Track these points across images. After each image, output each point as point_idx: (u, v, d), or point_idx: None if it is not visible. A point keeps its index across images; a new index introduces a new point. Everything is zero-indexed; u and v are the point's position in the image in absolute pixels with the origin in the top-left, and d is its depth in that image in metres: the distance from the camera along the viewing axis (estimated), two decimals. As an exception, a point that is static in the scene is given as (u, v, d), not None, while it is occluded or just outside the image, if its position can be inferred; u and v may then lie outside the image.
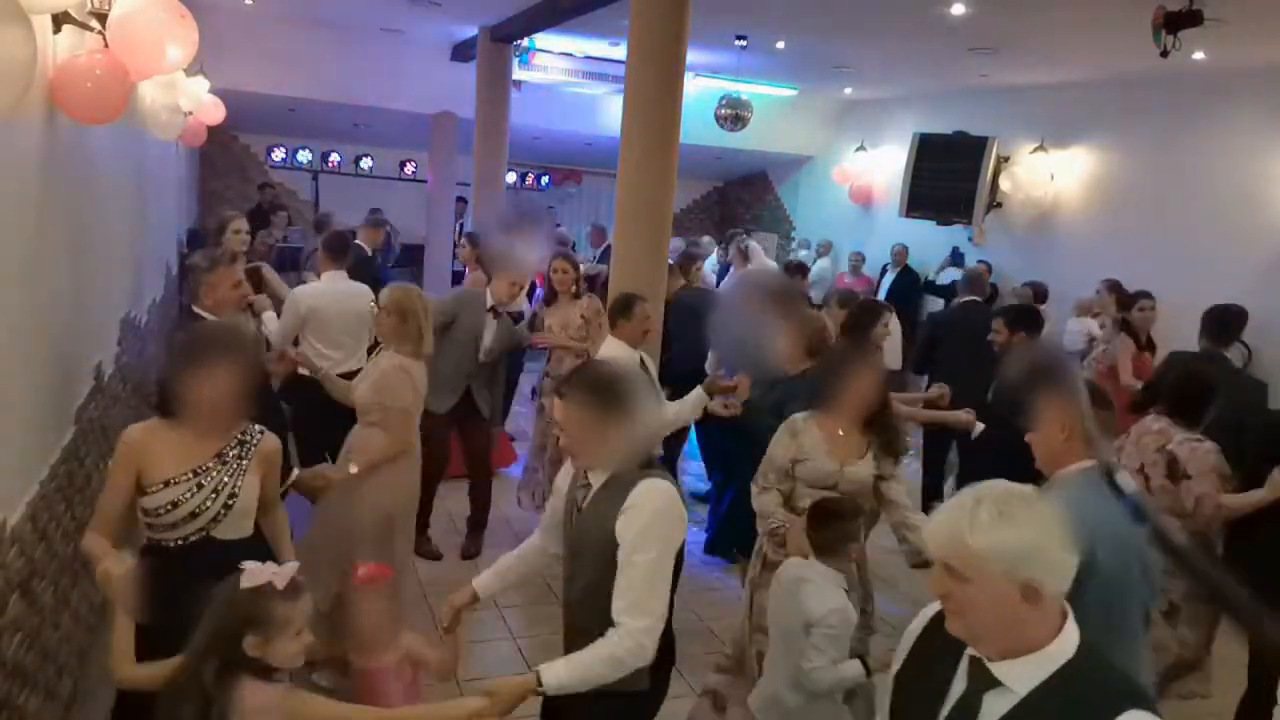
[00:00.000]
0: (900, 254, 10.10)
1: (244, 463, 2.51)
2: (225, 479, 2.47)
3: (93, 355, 3.93)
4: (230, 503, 2.47)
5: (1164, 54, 5.32)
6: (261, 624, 1.85)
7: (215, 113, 6.03)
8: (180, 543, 2.46)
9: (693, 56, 5.56)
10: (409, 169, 12.56)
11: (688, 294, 5.88)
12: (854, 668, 2.75)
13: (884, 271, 10.39)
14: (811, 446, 3.23)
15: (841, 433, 3.23)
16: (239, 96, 8.01)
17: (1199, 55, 6.62)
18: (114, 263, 4.54)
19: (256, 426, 2.60)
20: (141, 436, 2.47)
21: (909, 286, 9.80)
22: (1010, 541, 1.37)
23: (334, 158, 12.35)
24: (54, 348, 3.20)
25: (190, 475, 2.43)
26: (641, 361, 4.33)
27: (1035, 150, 9.04)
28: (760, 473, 3.34)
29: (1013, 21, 6.67)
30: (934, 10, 6.42)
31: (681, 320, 5.38)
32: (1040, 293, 7.95)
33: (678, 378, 5.14)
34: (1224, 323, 5.04)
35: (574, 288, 5.43)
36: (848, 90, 11.18)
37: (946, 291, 8.97)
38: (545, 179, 13.72)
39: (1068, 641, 1.42)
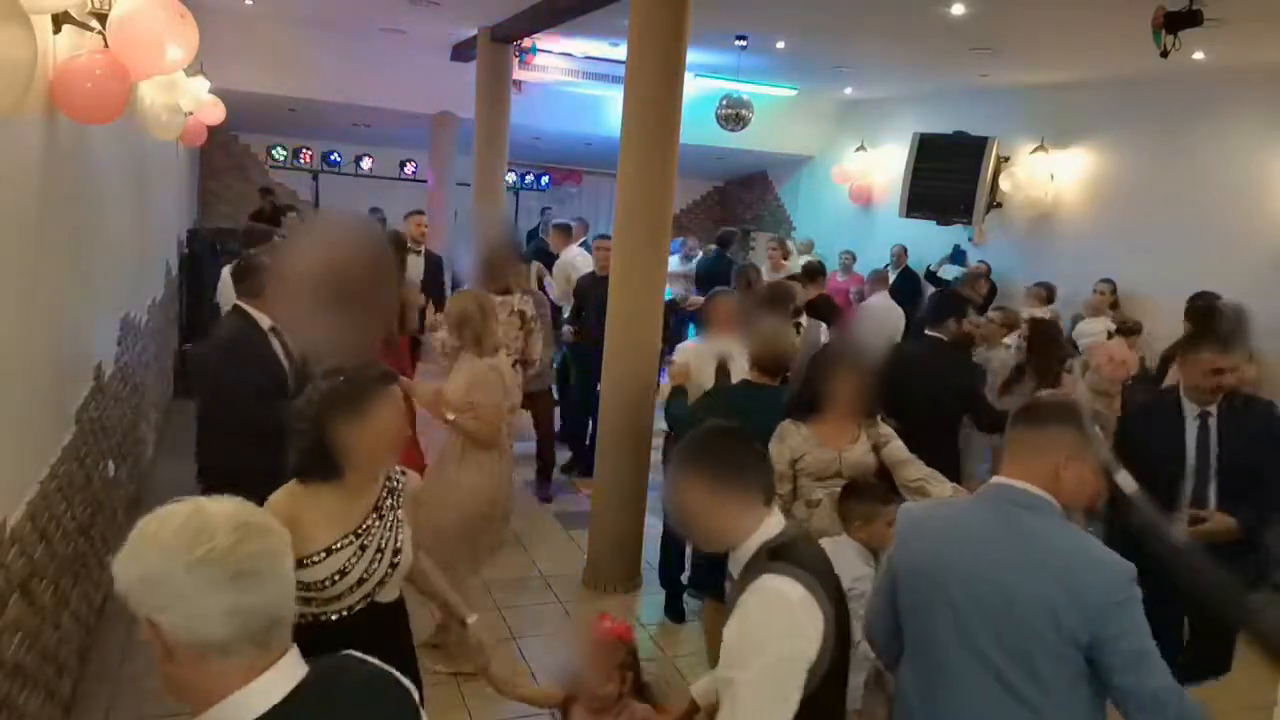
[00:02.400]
0: (900, 255, 10.10)
1: (397, 509, 2.26)
2: (386, 535, 2.22)
3: (93, 355, 3.93)
4: (396, 560, 2.22)
5: (1164, 54, 5.32)
6: None
7: (215, 113, 6.03)
8: (345, 614, 2.19)
9: (693, 56, 5.55)
10: (409, 169, 12.57)
11: None
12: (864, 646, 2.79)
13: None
14: (803, 442, 3.28)
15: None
16: (239, 96, 8.01)
17: (1199, 55, 6.62)
18: (114, 263, 4.55)
19: (397, 468, 2.33)
20: (286, 505, 2.14)
21: (909, 287, 9.79)
22: None
23: (334, 158, 12.36)
24: (54, 348, 3.20)
25: (352, 538, 2.17)
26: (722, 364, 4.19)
27: (1035, 150, 9.04)
28: None
29: (1013, 21, 6.67)
30: (934, 10, 6.42)
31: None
32: (1049, 293, 7.94)
33: None
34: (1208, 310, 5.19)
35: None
36: (848, 90, 11.18)
37: (943, 285, 8.97)
38: (545, 179, 13.72)
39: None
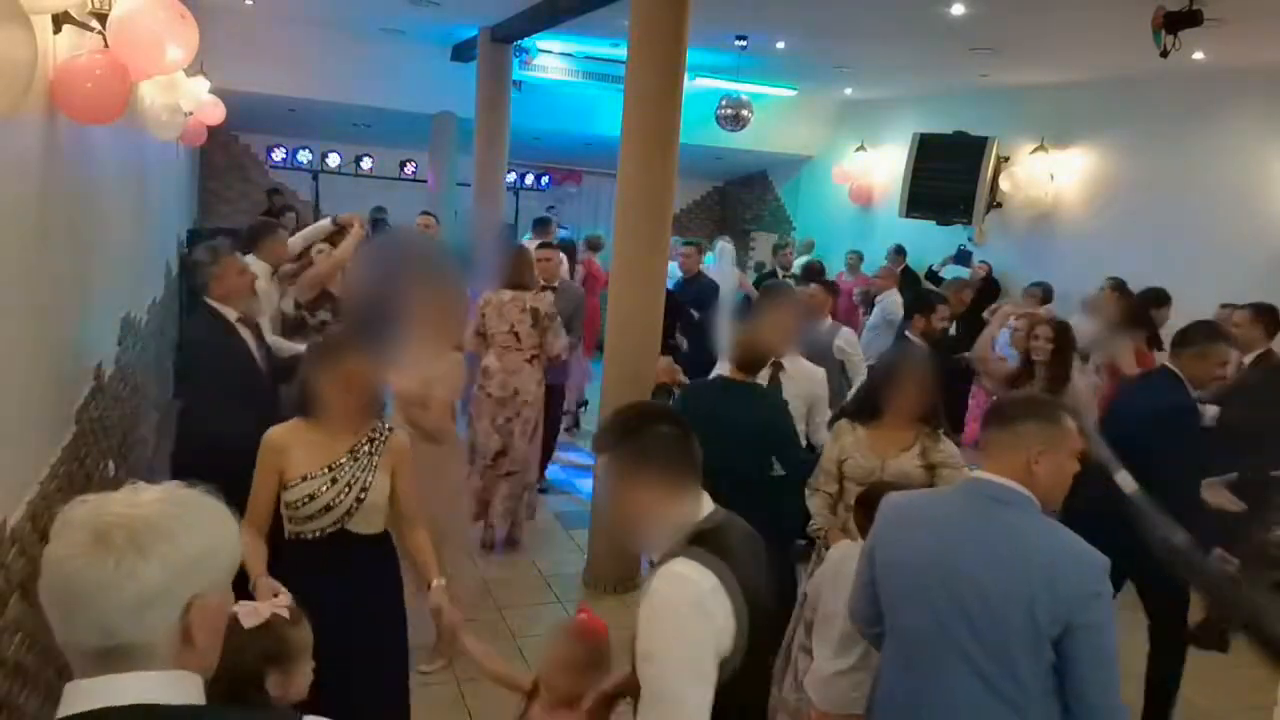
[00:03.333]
0: (896, 254, 10.09)
1: (374, 459, 2.65)
2: (357, 474, 2.63)
3: (93, 355, 3.93)
4: (361, 497, 2.62)
5: (1164, 54, 5.32)
6: (280, 657, 1.79)
7: (215, 113, 6.03)
8: (318, 534, 2.63)
9: (693, 56, 5.55)
10: (409, 169, 12.56)
11: None
12: None
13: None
14: (852, 445, 3.30)
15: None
16: (239, 96, 8.00)
17: (1199, 55, 6.62)
18: (114, 263, 4.55)
19: (387, 425, 2.74)
20: (281, 436, 2.65)
21: (909, 287, 9.78)
22: None
23: (334, 158, 12.35)
24: (54, 348, 3.20)
25: (326, 470, 2.60)
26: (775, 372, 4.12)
27: (1035, 150, 9.04)
28: (813, 475, 3.45)
29: (1013, 21, 6.67)
30: (934, 10, 6.42)
31: None
32: (1047, 294, 7.94)
33: None
34: None
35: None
36: (848, 90, 11.18)
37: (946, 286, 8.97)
38: (545, 179, 13.72)
39: None
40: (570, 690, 2.22)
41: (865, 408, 3.37)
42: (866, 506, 2.96)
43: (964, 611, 1.98)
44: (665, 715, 1.65)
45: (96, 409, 3.89)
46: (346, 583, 2.54)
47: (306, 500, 2.60)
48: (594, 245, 9.13)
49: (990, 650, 1.95)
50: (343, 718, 1.77)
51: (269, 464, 2.62)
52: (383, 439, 2.71)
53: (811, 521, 3.36)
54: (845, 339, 5.23)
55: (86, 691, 1.04)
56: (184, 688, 1.09)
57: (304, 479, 2.60)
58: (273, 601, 1.88)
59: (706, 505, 1.87)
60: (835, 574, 2.94)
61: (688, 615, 1.67)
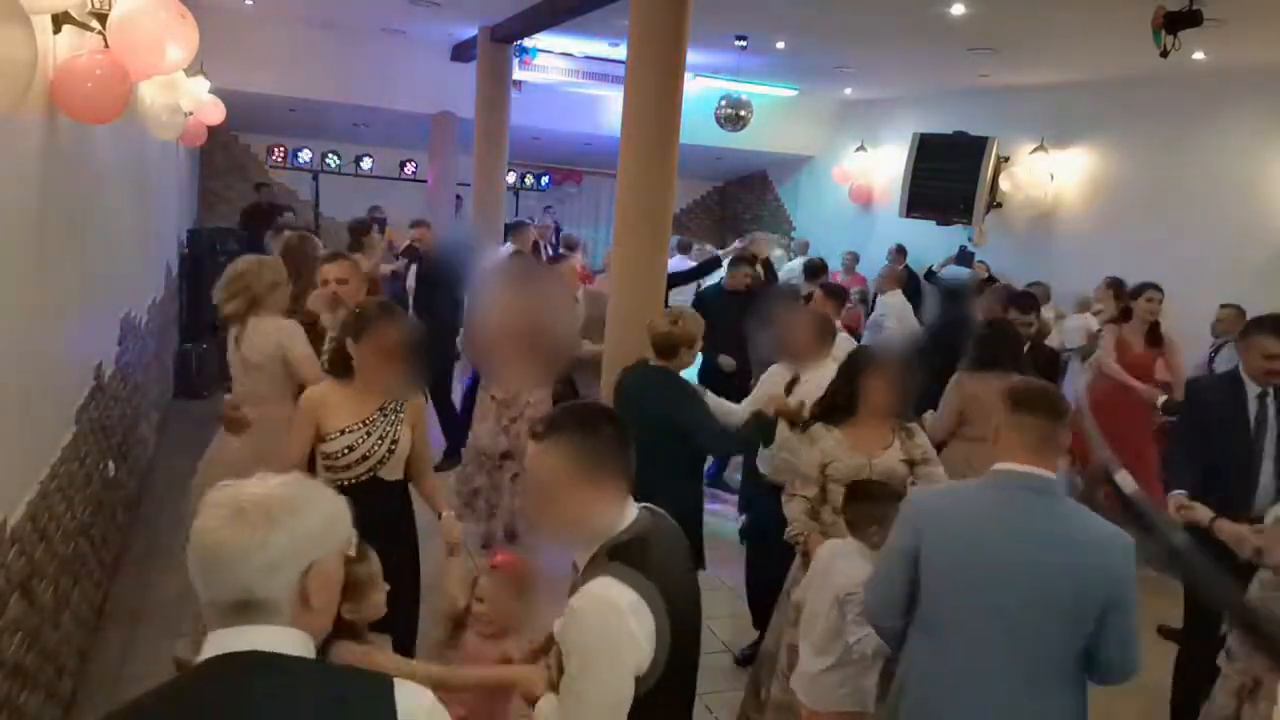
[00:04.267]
0: (896, 254, 10.10)
1: (399, 415, 2.96)
2: (387, 429, 2.93)
3: (93, 355, 3.93)
4: (393, 448, 2.93)
5: (1164, 54, 5.31)
6: (352, 590, 2.03)
7: (215, 113, 6.03)
8: (353, 482, 2.89)
9: (693, 56, 5.56)
10: (409, 169, 12.56)
11: None
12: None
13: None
14: (834, 447, 3.24)
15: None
16: (239, 96, 8.00)
17: (1199, 55, 6.62)
18: (114, 263, 4.55)
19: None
20: (318, 394, 2.98)
21: (909, 288, 9.77)
22: None
23: (334, 158, 12.36)
24: (54, 348, 3.20)
25: (361, 425, 2.90)
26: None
27: (1035, 150, 9.04)
28: (788, 480, 3.41)
29: (1013, 21, 6.67)
30: (934, 10, 6.42)
31: None
32: (1043, 294, 7.94)
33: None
34: None
35: None
36: (848, 90, 11.18)
37: (948, 289, 8.96)
38: (545, 179, 13.72)
39: None
40: (503, 619, 2.59)
41: (838, 407, 3.31)
42: (851, 499, 3.01)
43: (1017, 599, 2.08)
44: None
45: (96, 409, 3.89)
46: (376, 523, 2.61)
47: (346, 451, 2.89)
48: (570, 245, 9.14)
49: (1037, 633, 2.07)
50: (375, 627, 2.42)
51: (308, 419, 2.93)
52: (399, 406, 2.98)
53: (789, 527, 3.28)
54: (841, 347, 5.17)
55: (219, 640, 1.26)
56: (297, 642, 1.29)
57: (342, 432, 2.89)
58: None
59: (631, 512, 1.83)
60: (823, 572, 2.94)
61: (609, 638, 1.67)
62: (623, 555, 1.73)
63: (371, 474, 2.93)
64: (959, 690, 2.16)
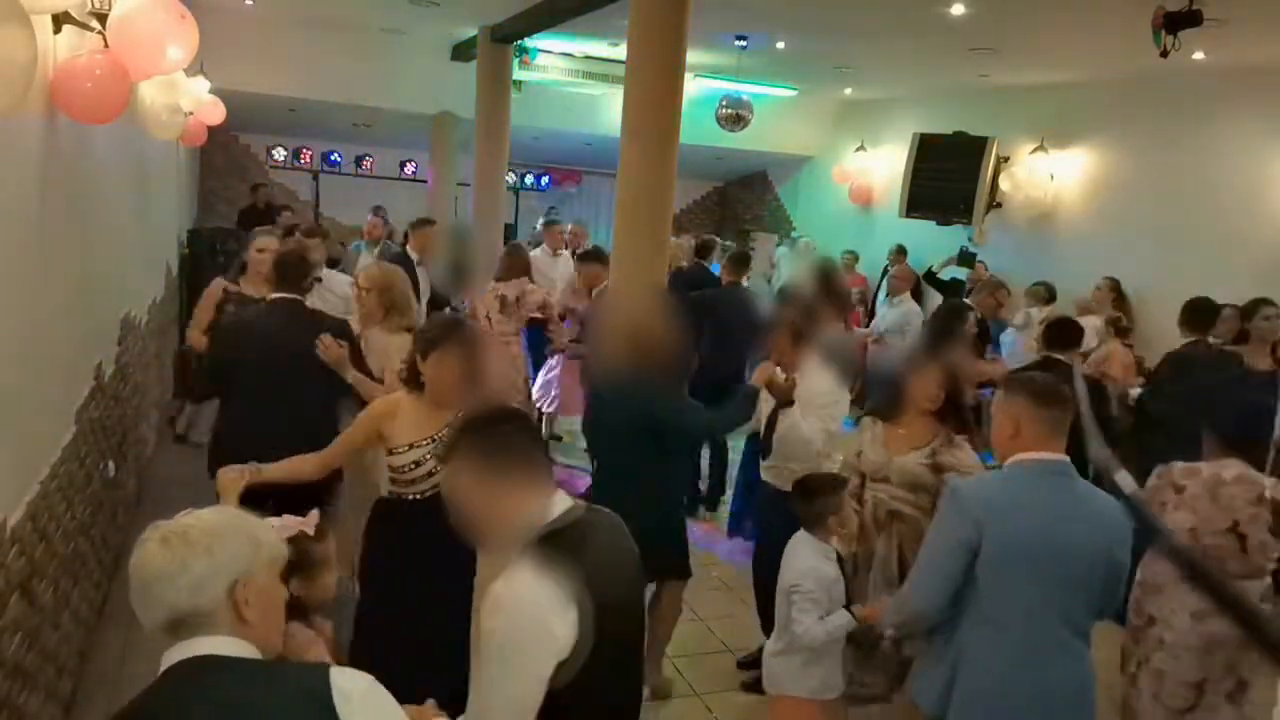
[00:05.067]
0: (896, 254, 10.09)
1: None
2: None
3: (93, 355, 3.93)
4: None
5: (1164, 54, 5.31)
6: (304, 567, 2.09)
7: (215, 113, 6.03)
8: (418, 497, 2.95)
9: (693, 56, 5.56)
10: (409, 169, 12.56)
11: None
12: (841, 618, 2.94)
13: (885, 272, 10.38)
14: (869, 440, 3.36)
15: (902, 431, 3.30)
16: (239, 96, 8.00)
17: (1199, 55, 6.62)
18: (114, 262, 4.55)
19: None
20: (386, 406, 3.00)
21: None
22: None
23: (334, 158, 12.36)
24: (54, 348, 3.20)
25: (429, 441, 2.89)
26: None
27: (1035, 150, 9.04)
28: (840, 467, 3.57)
29: (1013, 21, 6.67)
30: (934, 10, 6.42)
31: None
32: (1050, 293, 7.93)
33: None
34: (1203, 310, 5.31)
35: None
36: (848, 90, 11.18)
37: (945, 286, 8.96)
38: (545, 179, 13.72)
39: None
40: None
41: (887, 404, 3.40)
42: (799, 496, 3.12)
43: (1072, 577, 2.32)
44: (491, 706, 1.72)
45: (96, 409, 3.89)
46: (440, 535, 2.59)
47: (413, 466, 2.92)
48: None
49: (1086, 605, 2.36)
50: (436, 638, 2.79)
51: (370, 426, 2.97)
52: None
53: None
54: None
55: (169, 656, 1.40)
56: (240, 648, 1.42)
57: (410, 447, 2.91)
58: (300, 520, 2.18)
59: (559, 504, 1.83)
60: (784, 564, 3.07)
61: (522, 622, 1.68)
62: (548, 543, 1.75)
63: (436, 489, 2.76)
64: (1018, 674, 2.32)
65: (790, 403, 3.64)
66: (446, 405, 2.94)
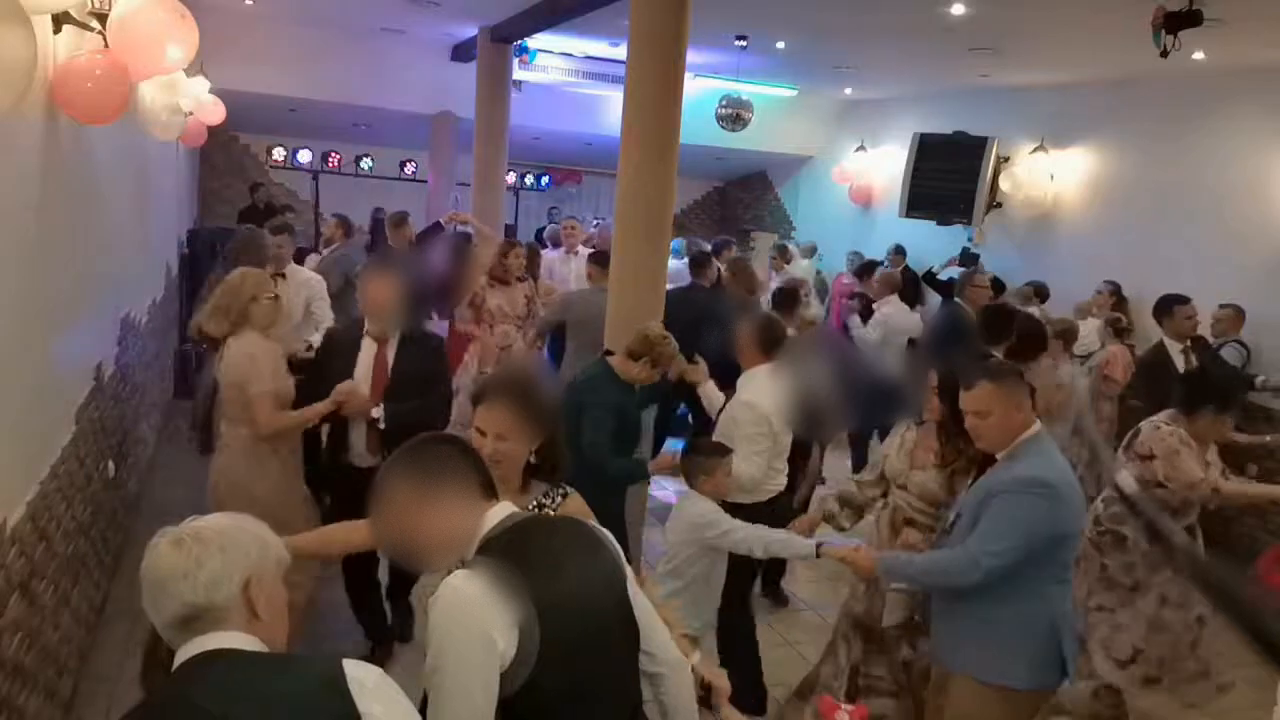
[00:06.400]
0: (895, 255, 10.08)
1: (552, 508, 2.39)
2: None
3: (93, 355, 3.93)
4: None
5: (1164, 54, 5.31)
6: None
7: (215, 113, 6.03)
8: None
9: (693, 56, 5.55)
10: (409, 169, 12.55)
11: None
12: (795, 540, 3.21)
13: (884, 272, 10.38)
14: (898, 446, 3.41)
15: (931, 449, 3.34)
16: (239, 96, 8.00)
17: (1199, 55, 6.62)
18: (114, 263, 4.55)
19: (560, 489, 2.39)
20: None
21: (908, 290, 9.74)
22: None
23: (334, 158, 12.35)
24: (54, 348, 3.20)
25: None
26: None
27: (1035, 150, 9.04)
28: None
29: (1013, 21, 6.67)
30: (934, 10, 6.42)
31: None
32: (1041, 293, 7.94)
33: None
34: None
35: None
36: (848, 90, 11.18)
37: (945, 287, 8.96)
38: (545, 179, 13.72)
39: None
40: None
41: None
42: (695, 452, 3.41)
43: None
44: (441, 714, 1.67)
45: (96, 409, 3.89)
46: None
47: None
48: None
49: None
50: None
51: None
52: (553, 505, 2.37)
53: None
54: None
55: (182, 653, 1.44)
56: (253, 643, 1.46)
57: None
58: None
59: (497, 514, 1.82)
60: (676, 515, 3.41)
61: (457, 625, 1.66)
62: (486, 549, 1.75)
63: None
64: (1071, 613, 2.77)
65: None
66: (524, 490, 2.48)
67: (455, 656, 1.65)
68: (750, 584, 3.96)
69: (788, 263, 9.73)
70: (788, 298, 5.67)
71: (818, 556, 3.02)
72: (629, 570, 1.95)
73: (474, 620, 1.65)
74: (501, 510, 1.83)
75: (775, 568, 5.00)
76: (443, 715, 1.66)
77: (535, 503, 2.32)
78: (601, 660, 1.84)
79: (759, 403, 3.65)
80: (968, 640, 2.78)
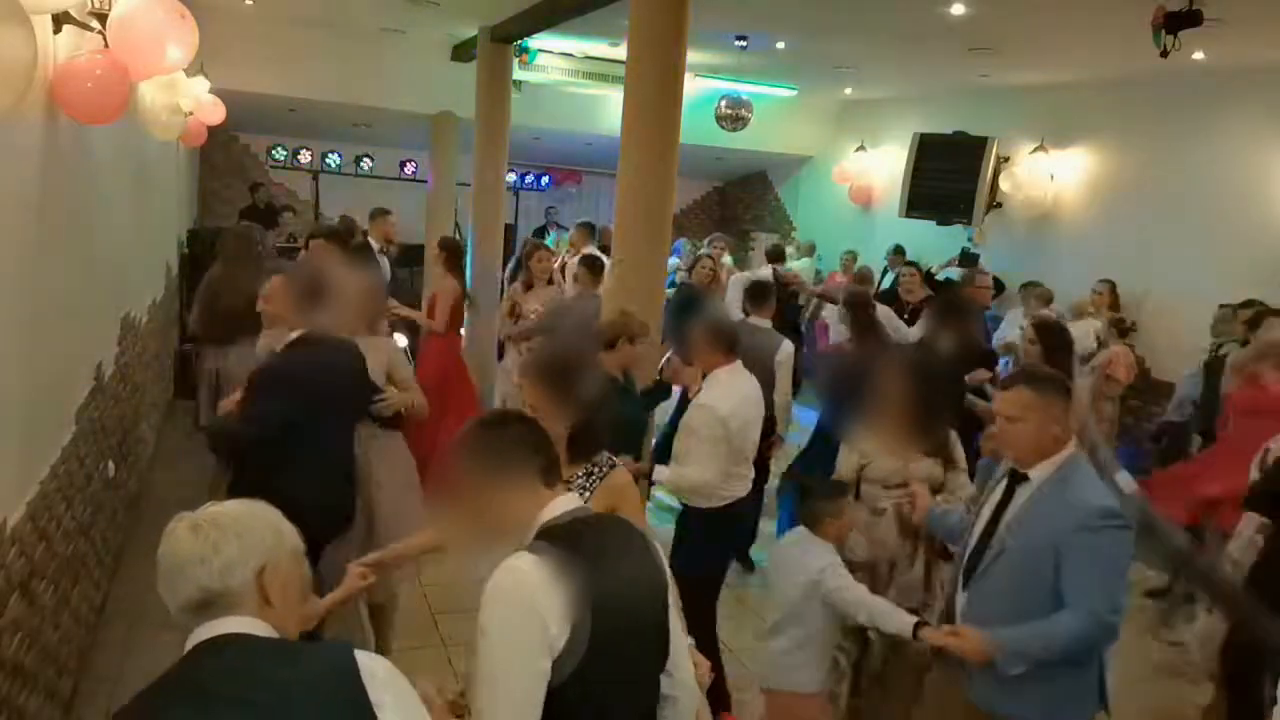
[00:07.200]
0: (894, 255, 10.08)
1: (586, 493, 2.48)
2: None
3: (93, 355, 3.93)
4: None
5: (1164, 54, 5.31)
6: None
7: (215, 113, 6.03)
8: None
9: (693, 56, 5.55)
10: (409, 169, 12.56)
11: None
12: (899, 614, 2.88)
13: (884, 271, 10.38)
14: (872, 450, 3.32)
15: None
16: (239, 96, 8.00)
17: (1199, 55, 6.62)
18: (114, 263, 4.55)
19: (608, 458, 2.53)
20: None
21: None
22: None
23: (334, 158, 12.35)
24: (54, 348, 3.20)
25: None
26: None
27: (1035, 150, 9.03)
28: None
29: (1013, 21, 6.66)
30: (934, 10, 6.42)
31: None
32: (1044, 296, 7.92)
33: None
34: None
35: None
36: (848, 90, 11.18)
37: (941, 288, 8.95)
38: (545, 179, 13.72)
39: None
40: None
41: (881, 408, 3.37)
42: (820, 495, 3.16)
43: None
44: (486, 696, 1.67)
45: (96, 409, 3.89)
46: None
47: None
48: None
49: None
50: None
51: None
52: (600, 474, 2.51)
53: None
54: (785, 353, 5.03)
55: (196, 635, 1.46)
56: (264, 629, 1.47)
57: None
58: None
59: (562, 504, 1.83)
60: (786, 558, 3.13)
61: (513, 606, 1.67)
62: (546, 535, 1.76)
63: None
64: None
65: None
66: (569, 460, 2.59)
67: (503, 637, 1.66)
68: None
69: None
70: (759, 290, 5.46)
71: (915, 638, 2.75)
72: (672, 583, 1.95)
73: (531, 603, 1.65)
74: (567, 501, 1.85)
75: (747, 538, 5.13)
76: (495, 697, 1.66)
77: (584, 470, 2.46)
78: (635, 665, 1.85)
79: (716, 406, 3.57)
80: (1029, 684, 2.50)
